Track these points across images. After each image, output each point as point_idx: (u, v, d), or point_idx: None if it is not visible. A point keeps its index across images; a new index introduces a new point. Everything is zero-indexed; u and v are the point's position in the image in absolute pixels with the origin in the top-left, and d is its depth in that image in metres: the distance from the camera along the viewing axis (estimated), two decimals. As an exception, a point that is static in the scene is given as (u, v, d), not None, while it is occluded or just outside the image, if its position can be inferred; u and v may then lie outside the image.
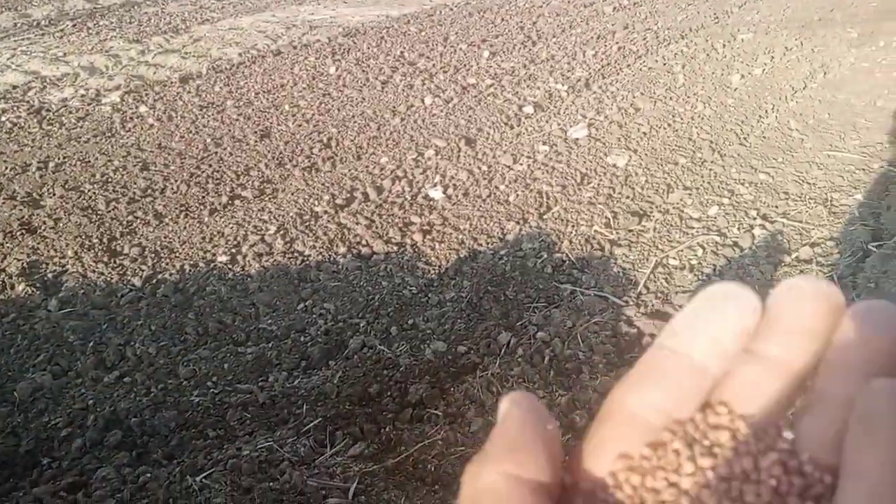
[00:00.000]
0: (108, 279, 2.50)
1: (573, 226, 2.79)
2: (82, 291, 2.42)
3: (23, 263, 2.56)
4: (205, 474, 1.62)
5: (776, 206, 2.79)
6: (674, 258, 2.52)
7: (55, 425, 1.84)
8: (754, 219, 2.70)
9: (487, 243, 2.76)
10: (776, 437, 0.25)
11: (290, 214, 2.94)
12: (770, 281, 2.39)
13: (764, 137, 3.29)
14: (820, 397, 0.26)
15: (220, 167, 3.31)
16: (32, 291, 2.40)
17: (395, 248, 2.78)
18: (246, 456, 1.69)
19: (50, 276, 2.51)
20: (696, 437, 0.25)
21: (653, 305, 2.36)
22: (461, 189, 3.10)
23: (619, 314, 2.33)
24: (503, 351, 2.21)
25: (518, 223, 2.85)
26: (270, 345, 2.24)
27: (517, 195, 3.03)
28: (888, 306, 0.25)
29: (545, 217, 2.88)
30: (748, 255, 2.52)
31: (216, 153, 3.45)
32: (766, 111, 3.51)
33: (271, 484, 1.57)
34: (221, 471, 1.64)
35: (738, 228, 2.65)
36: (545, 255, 2.64)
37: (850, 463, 0.24)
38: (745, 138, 3.29)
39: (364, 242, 2.82)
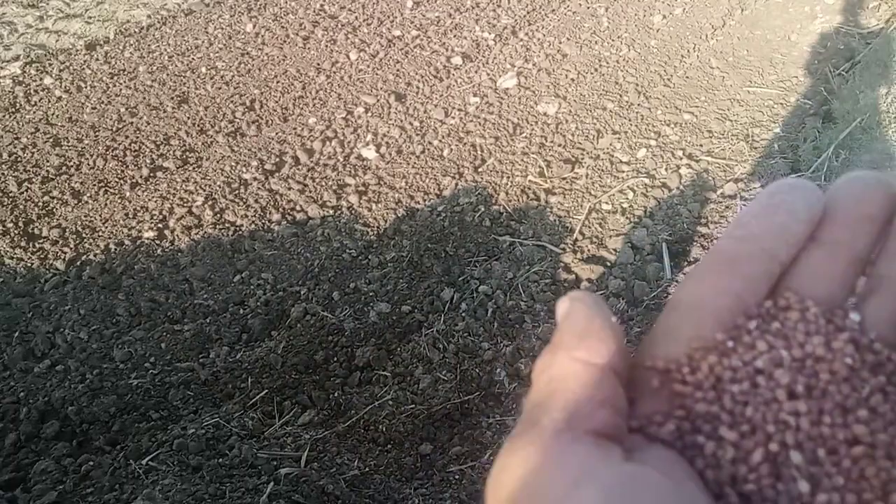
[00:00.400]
0: (29, 265, 2.37)
1: (508, 177, 2.81)
2: (1, 280, 2.28)
3: (-71, 255, 2.38)
4: (150, 456, 1.59)
5: (701, 145, 2.87)
6: (606, 203, 2.58)
7: (-15, 423, 1.76)
8: (680, 159, 2.78)
9: (425, 200, 2.75)
10: (844, 318, 0.26)
11: (218, 183, 2.84)
12: (698, 219, 2.49)
13: (687, 77, 3.36)
14: (882, 280, 0.27)
15: (137, 138, 3.14)
16: (-57, 285, 2.25)
17: (331, 211, 2.74)
18: (192, 434, 1.67)
19: (-39, 266, 2.36)
20: (769, 320, 0.26)
21: (589, 251, 2.42)
22: (394, 146, 3.05)
23: (557, 262, 2.38)
24: (447, 307, 2.23)
25: (454, 178, 2.84)
26: (208, 320, 2.19)
27: (451, 149, 3.01)
28: None
29: (480, 170, 2.88)
30: (676, 194, 2.61)
31: (132, 123, 3.27)
32: (688, 51, 3.57)
33: (220, 460, 1.56)
34: (168, 451, 1.61)
35: (666, 169, 2.73)
36: (483, 209, 2.65)
37: None
38: (668, 79, 3.35)
39: (298, 208, 2.76)
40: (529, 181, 2.77)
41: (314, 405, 1.88)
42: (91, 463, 1.61)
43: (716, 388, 0.25)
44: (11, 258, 2.40)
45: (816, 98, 3.17)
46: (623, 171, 2.74)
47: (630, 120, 3.06)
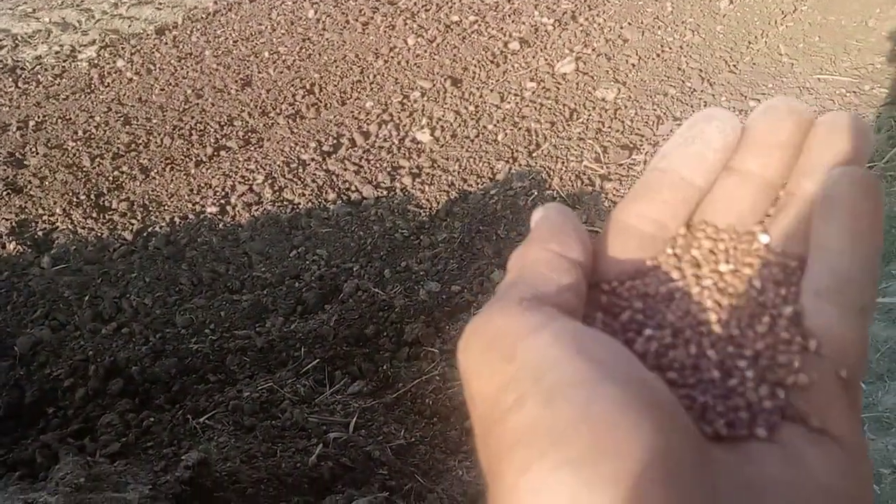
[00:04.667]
0: (99, 234, 2.49)
1: (563, 162, 2.78)
2: (74, 247, 2.41)
3: (11, 223, 2.54)
4: (208, 415, 1.65)
5: (766, 133, 2.77)
6: (664, 189, 2.52)
7: (57, 377, 1.87)
8: (744, 146, 2.69)
9: (477, 183, 2.75)
10: (752, 240, 0.28)
11: (277, 163, 2.91)
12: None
13: (753, 64, 3.24)
14: (790, 198, 0.29)
15: (202, 118, 3.26)
16: (24, 250, 2.40)
17: (385, 192, 2.77)
18: (247, 397, 1.73)
19: (40, 234, 2.50)
20: (685, 248, 0.29)
21: (643, 237, 2.37)
22: (449, 130, 3.06)
23: (610, 247, 2.34)
24: (496, 289, 2.23)
25: (507, 162, 2.83)
26: (265, 292, 2.26)
27: (506, 134, 3.00)
28: (853, 116, 0.28)
29: (535, 155, 2.86)
30: (738, 182, 2.52)
31: (198, 104, 3.38)
32: (756, 37, 3.44)
33: (273, 422, 1.61)
34: (223, 412, 1.67)
35: (728, 157, 2.64)
36: (535, 193, 2.64)
37: (815, 243, 0.27)
38: (734, 65, 3.24)
39: (353, 188, 2.80)
40: (585, 167, 2.73)
41: (363, 376, 1.92)
42: (152, 419, 1.69)
43: (643, 301, 0.28)
44: (83, 228, 2.53)
45: (895, 87, 3.00)
46: (682, 158, 2.67)
47: (692, 106, 2.98)
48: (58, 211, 2.62)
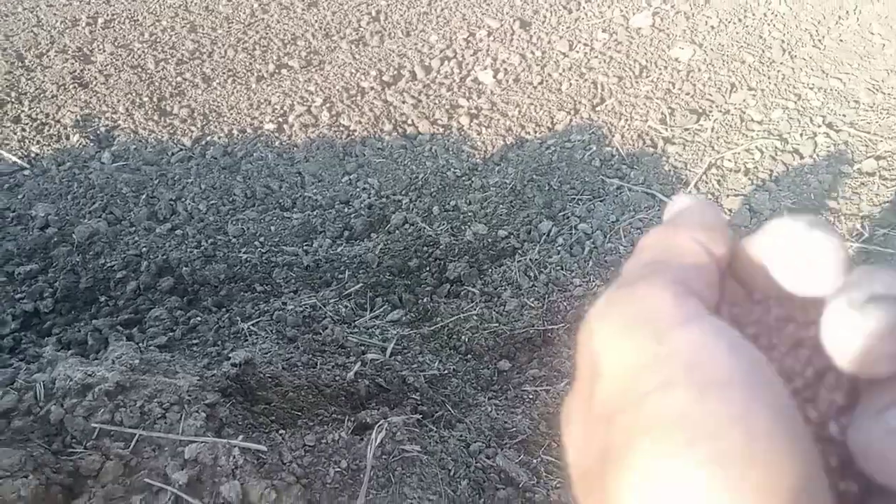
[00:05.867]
0: (159, 137, 2.54)
1: (627, 120, 2.70)
2: (134, 147, 2.46)
3: (76, 116, 2.59)
4: (252, 322, 1.70)
5: (844, 115, 2.64)
6: (729, 160, 2.44)
7: (111, 268, 1.94)
8: (819, 126, 2.57)
9: (535, 132, 2.70)
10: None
11: (337, 88, 2.89)
12: (828, 191, 2.32)
13: (841, 41, 3.06)
14: None
15: (266, 34, 3.24)
16: (86, 143, 2.45)
17: (441, 129, 2.74)
18: (291, 310, 1.77)
19: (102, 129, 2.55)
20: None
21: (700, 205, 2.31)
22: (512, 74, 2.99)
23: (663, 212, 2.29)
24: (543, 238, 2.22)
25: (569, 113, 2.76)
26: (315, 213, 2.28)
27: (570, 84, 2.92)
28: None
29: (598, 109, 2.78)
30: (808, 163, 2.43)
31: (263, 19, 3.36)
32: (847, 12, 3.24)
33: (314, 336, 1.65)
34: (267, 321, 1.72)
35: (801, 135, 2.53)
36: (594, 148, 2.58)
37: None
38: (819, 40, 3.06)
39: (410, 122, 2.78)
40: (649, 127, 2.65)
41: (403, 306, 1.94)
42: (199, 318, 1.75)
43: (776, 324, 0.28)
44: (144, 129, 2.57)
45: None
46: (753, 130, 2.57)
47: (769, 78, 2.85)
48: (121, 109, 2.66)
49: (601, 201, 2.36)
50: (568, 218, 2.29)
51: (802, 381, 0.25)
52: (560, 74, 2.97)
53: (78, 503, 0.97)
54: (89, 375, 1.12)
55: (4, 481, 0.90)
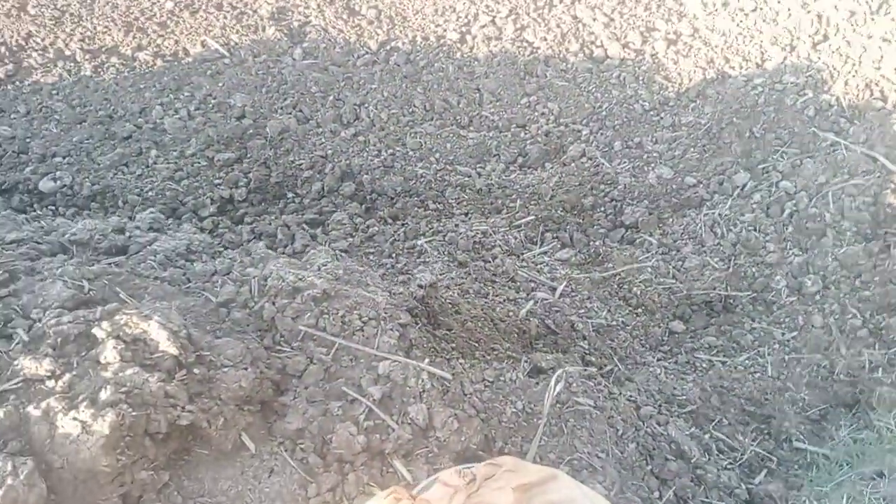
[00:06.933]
0: (347, 37, 2.55)
1: (854, 64, 2.32)
2: (324, 45, 2.50)
3: (272, 8, 2.66)
4: (426, 240, 1.72)
5: None
6: (983, 127, 2.04)
7: (299, 166, 2.02)
8: None
9: (741, 67, 2.41)
10: None
11: (525, -2, 2.73)
12: None
13: None
14: None
15: (458, -67, 3.09)
16: (280, 37, 2.52)
17: (633, 54, 2.52)
18: (462, 233, 1.77)
19: (295, 24, 2.61)
20: None
21: (935, 178, 1.97)
22: (723, -3, 2.65)
23: (887, 182, 1.99)
24: (737, 192, 2.02)
25: (784, 49, 2.43)
26: (491, 134, 2.23)
27: (790, 15, 2.54)
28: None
29: (819, 48, 2.42)
30: None
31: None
32: None
33: (484, 264, 1.64)
34: (440, 241, 1.73)
35: None
36: (809, 94, 2.26)
37: None
38: None
39: (599, 43, 2.58)
40: (881, 76, 2.27)
41: (573, 245, 1.88)
42: (376, 228, 1.80)
43: None
44: (334, 28, 2.59)
45: None
46: None
47: None
48: (313, 4, 2.69)
49: (810, 157, 2.08)
50: (768, 172, 2.06)
51: None
52: (778, 2, 2.59)
53: (284, 399, 1.05)
54: (300, 280, 1.19)
55: (228, 370, 0.98)
